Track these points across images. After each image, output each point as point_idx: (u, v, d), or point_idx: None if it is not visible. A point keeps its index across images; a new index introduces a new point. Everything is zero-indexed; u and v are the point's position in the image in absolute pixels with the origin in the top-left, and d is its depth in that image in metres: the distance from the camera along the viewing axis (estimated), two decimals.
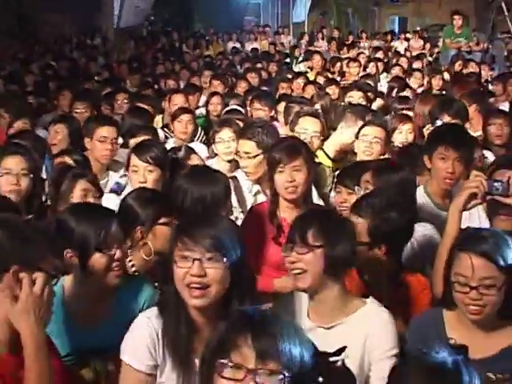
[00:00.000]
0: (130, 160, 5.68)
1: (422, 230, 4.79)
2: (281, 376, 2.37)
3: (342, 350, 3.64)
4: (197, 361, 2.91)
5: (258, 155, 5.89)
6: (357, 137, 6.77)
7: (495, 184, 4.21)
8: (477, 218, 4.79)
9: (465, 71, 13.88)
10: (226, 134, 6.71)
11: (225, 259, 3.27)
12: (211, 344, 2.52)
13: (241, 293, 3.38)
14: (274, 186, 5.14)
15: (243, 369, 2.37)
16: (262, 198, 5.67)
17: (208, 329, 3.23)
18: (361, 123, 6.93)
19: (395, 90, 11.28)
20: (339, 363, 3.63)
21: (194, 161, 6.26)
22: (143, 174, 5.53)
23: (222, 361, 2.41)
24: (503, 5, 16.92)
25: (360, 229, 4.24)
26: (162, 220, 4.51)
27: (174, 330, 3.29)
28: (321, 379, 3.54)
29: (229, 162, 6.67)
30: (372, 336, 3.64)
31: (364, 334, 3.64)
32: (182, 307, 3.35)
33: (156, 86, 12.89)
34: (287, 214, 5.13)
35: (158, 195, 4.92)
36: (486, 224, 4.59)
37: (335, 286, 3.70)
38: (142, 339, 3.34)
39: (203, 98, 11.11)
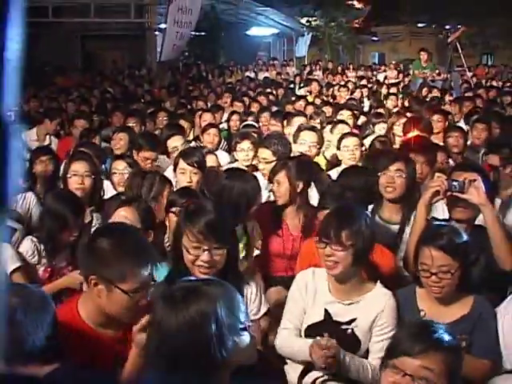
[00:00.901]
0: (178, 164, 5.63)
1: None
2: None
3: (352, 320, 3.71)
4: None
5: (273, 161, 5.90)
6: (339, 148, 6.78)
7: (454, 183, 4.23)
8: (441, 209, 4.79)
9: (429, 95, 13.87)
10: (245, 144, 6.71)
11: (225, 247, 3.40)
12: None
13: (235, 268, 3.55)
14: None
15: None
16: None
17: None
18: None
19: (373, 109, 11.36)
20: (349, 331, 3.71)
21: (209, 159, 6.25)
22: (189, 176, 5.50)
23: None
24: (458, 45, 16.88)
25: None
26: (173, 209, 4.49)
27: None
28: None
29: (247, 166, 6.62)
30: (380, 314, 3.70)
31: (375, 312, 3.70)
32: None
33: (189, 106, 12.87)
34: (291, 216, 5.14)
35: (188, 192, 4.85)
36: (446, 214, 4.59)
37: (356, 273, 3.74)
38: None
39: (225, 115, 11.14)
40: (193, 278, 2.70)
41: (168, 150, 7.16)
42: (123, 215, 3.97)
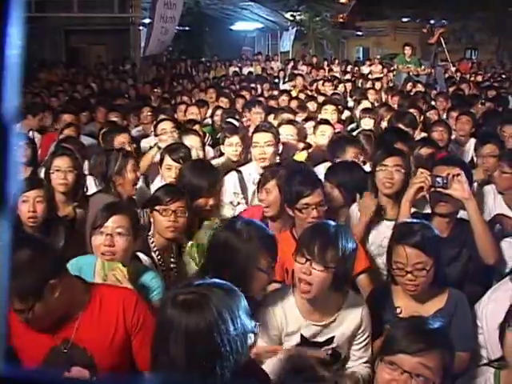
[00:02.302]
0: (164, 159, 5.63)
1: None
2: None
3: (330, 339, 3.53)
4: None
5: (275, 143, 5.96)
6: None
7: (437, 179, 4.25)
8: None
9: (414, 90, 13.90)
10: (235, 139, 6.63)
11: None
12: None
13: None
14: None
15: None
16: None
17: None
18: None
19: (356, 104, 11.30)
20: (329, 351, 3.55)
21: (192, 140, 6.42)
22: (175, 172, 5.46)
23: None
24: (442, 40, 16.94)
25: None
26: (157, 207, 4.35)
27: None
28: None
29: (234, 162, 6.56)
30: (358, 324, 3.57)
31: (352, 325, 3.56)
32: None
33: (173, 102, 12.82)
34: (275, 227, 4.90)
35: (172, 189, 4.68)
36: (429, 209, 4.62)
37: (332, 293, 3.47)
38: None
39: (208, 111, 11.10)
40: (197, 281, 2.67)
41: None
42: (116, 223, 3.85)
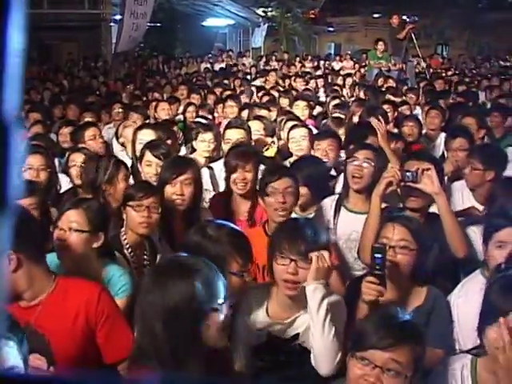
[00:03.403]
0: (144, 155, 5.53)
1: None
2: None
3: (296, 336, 3.44)
4: None
5: (247, 140, 6.18)
6: (288, 138, 6.78)
7: (407, 174, 4.28)
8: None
9: (385, 85, 13.95)
10: (208, 136, 6.59)
11: None
12: None
13: None
14: (229, 184, 5.09)
15: None
16: None
17: None
18: None
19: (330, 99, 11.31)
20: (297, 347, 3.45)
21: (145, 134, 6.35)
22: (155, 168, 5.37)
23: None
24: (413, 35, 17.00)
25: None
26: (130, 203, 4.30)
27: None
28: (282, 358, 3.46)
29: (206, 158, 6.54)
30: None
31: None
32: None
33: (144, 98, 12.76)
34: (240, 204, 5.09)
35: (145, 186, 4.61)
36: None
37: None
38: None
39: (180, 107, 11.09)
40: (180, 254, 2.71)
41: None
42: (70, 218, 3.81)
